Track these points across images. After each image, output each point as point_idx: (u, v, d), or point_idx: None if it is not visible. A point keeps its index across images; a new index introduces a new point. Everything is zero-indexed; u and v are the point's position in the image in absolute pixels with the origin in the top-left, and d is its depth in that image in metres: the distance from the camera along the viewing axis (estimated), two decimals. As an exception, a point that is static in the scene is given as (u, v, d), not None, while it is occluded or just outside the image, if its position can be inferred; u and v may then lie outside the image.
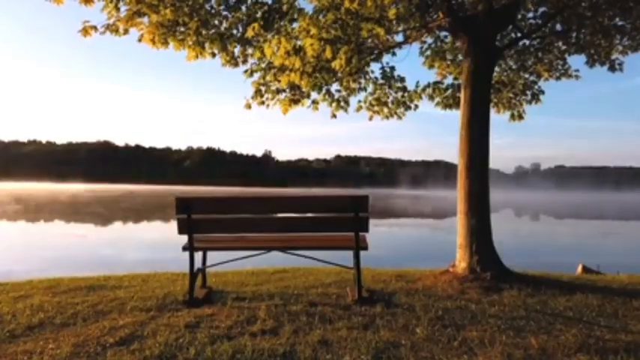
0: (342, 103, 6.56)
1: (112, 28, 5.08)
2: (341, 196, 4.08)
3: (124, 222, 23.70)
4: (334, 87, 6.43)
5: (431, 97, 7.06)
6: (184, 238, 4.01)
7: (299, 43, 5.42)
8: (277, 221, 4.20)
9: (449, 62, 6.93)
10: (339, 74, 6.05)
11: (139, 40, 5.19)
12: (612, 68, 6.15)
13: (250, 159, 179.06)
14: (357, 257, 4.08)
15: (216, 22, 5.39)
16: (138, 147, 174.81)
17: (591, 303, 4.04)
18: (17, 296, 4.17)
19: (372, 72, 6.66)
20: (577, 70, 6.80)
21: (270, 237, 4.34)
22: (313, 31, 4.92)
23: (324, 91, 6.37)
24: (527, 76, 6.94)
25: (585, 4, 5.42)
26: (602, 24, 5.48)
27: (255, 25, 5.12)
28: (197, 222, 3.97)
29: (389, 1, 4.81)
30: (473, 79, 5.21)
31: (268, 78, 6.15)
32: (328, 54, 4.98)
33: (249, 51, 5.83)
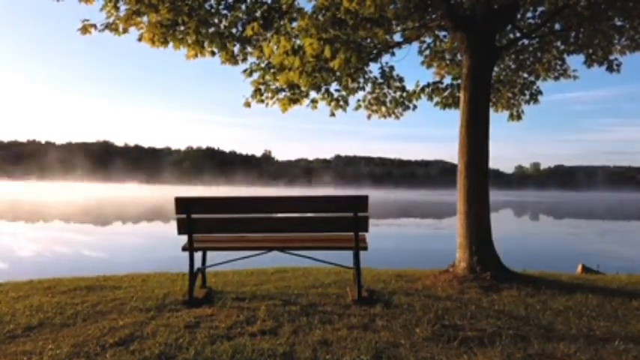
0: (340, 102, 6.58)
1: (111, 27, 5.07)
2: (341, 196, 4.08)
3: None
4: (333, 86, 6.45)
5: (430, 97, 7.07)
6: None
7: (298, 42, 5.42)
8: (277, 221, 4.20)
9: (448, 62, 6.94)
10: (338, 74, 6.06)
11: (139, 40, 5.19)
12: (610, 68, 6.14)
13: (250, 159, 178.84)
14: (356, 257, 4.08)
15: (216, 20, 5.38)
16: (137, 147, 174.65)
17: (591, 303, 4.04)
18: (17, 296, 4.16)
19: (371, 72, 6.69)
20: (575, 70, 6.83)
21: (270, 237, 4.33)
22: (312, 30, 4.92)
23: (323, 90, 6.38)
24: (525, 75, 6.95)
25: (584, 4, 5.42)
26: (601, 23, 5.47)
27: (255, 24, 5.12)
28: (197, 222, 3.96)
29: (388, 1, 4.80)
30: (472, 78, 5.21)
31: (267, 77, 6.16)
32: (327, 53, 4.98)
33: (249, 49, 5.84)
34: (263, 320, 3.35)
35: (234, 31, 5.50)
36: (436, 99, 7.06)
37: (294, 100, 6.33)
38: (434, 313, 3.58)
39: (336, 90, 6.50)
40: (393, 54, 6.44)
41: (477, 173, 5.13)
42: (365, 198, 3.90)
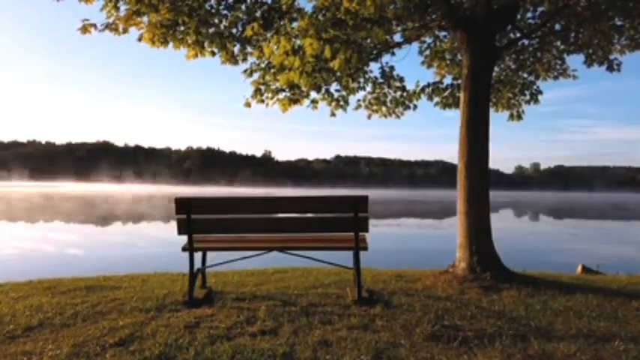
0: (341, 102, 6.58)
1: (111, 27, 5.07)
2: (341, 196, 4.08)
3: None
4: (333, 86, 6.45)
5: (430, 97, 7.08)
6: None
7: (298, 42, 5.42)
8: (277, 221, 4.20)
9: (448, 62, 6.94)
10: (338, 74, 6.06)
11: (139, 40, 5.18)
12: (610, 68, 6.13)
13: (250, 159, 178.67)
14: (356, 257, 4.08)
15: (216, 20, 5.38)
16: (137, 147, 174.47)
17: (591, 303, 4.04)
18: (17, 297, 4.16)
19: (371, 71, 6.69)
20: (575, 70, 6.83)
21: (270, 237, 4.33)
22: (312, 30, 4.92)
23: (323, 90, 6.37)
24: (525, 75, 6.95)
25: (584, 4, 5.42)
26: (601, 23, 5.47)
27: (255, 24, 5.12)
28: (197, 222, 3.96)
29: (388, 1, 4.80)
30: (472, 79, 5.21)
31: (268, 77, 6.15)
32: (327, 54, 4.98)
33: (249, 49, 5.84)
34: (263, 320, 3.35)
35: (234, 31, 5.50)
36: (436, 99, 7.07)
37: (294, 101, 6.33)
38: (434, 314, 3.58)
39: (337, 90, 6.50)
40: (393, 54, 6.45)
41: (477, 173, 5.12)
42: (365, 198, 3.90)
